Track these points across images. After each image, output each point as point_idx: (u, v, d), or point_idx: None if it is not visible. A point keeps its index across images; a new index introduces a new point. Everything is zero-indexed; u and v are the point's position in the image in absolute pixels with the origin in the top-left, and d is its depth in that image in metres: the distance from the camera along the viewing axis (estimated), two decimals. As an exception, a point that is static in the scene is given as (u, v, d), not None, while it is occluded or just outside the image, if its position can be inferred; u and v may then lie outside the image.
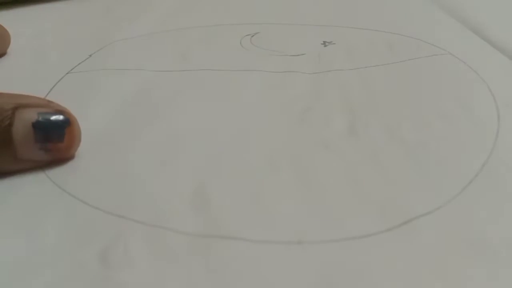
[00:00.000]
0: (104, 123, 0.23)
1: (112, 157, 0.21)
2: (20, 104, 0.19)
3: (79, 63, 0.28)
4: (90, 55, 0.28)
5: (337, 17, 0.32)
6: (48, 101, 0.20)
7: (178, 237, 0.17)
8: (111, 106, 0.24)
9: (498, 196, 0.18)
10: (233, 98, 0.25)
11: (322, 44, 0.29)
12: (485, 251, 0.16)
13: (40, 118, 0.19)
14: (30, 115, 0.19)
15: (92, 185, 0.19)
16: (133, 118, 0.23)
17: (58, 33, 0.31)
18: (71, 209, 0.18)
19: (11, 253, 0.16)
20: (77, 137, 0.20)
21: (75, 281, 0.15)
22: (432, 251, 0.16)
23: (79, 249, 0.16)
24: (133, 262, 0.16)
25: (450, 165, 0.20)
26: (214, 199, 0.19)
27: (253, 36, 0.30)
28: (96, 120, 0.23)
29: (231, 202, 0.18)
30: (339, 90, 0.25)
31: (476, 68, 0.26)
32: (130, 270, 0.16)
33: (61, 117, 0.20)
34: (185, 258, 0.16)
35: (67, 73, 0.27)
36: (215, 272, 0.16)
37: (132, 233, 0.17)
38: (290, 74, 0.26)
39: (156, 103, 0.24)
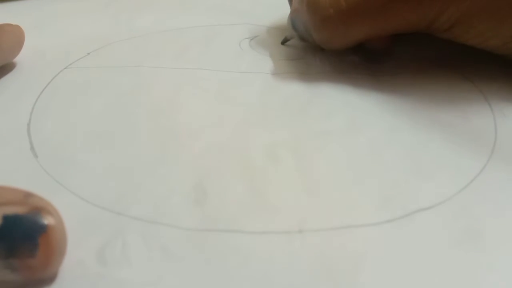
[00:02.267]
0: (102, 118, 0.23)
1: (110, 152, 0.21)
2: None
3: (77, 60, 0.27)
4: (89, 53, 0.28)
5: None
6: (27, 194, 0.15)
7: (177, 233, 0.17)
8: (109, 102, 0.24)
9: (497, 197, 0.19)
10: (231, 96, 0.25)
11: (320, 48, 0.29)
12: (485, 244, 0.17)
13: (5, 223, 0.14)
14: None
15: (90, 180, 0.19)
16: (131, 114, 0.23)
17: (58, 28, 0.31)
18: (69, 205, 0.18)
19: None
20: (56, 250, 0.14)
21: (73, 278, 0.15)
22: (432, 242, 0.17)
23: (76, 246, 0.16)
24: (131, 258, 0.16)
25: (449, 167, 0.20)
26: (213, 193, 0.19)
27: (252, 39, 0.30)
28: (93, 115, 0.23)
29: (230, 195, 0.18)
30: (338, 91, 0.25)
31: (472, 78, 0.26)
32: (128, 267, 0.16)
33: (35, 220, 0.14)
34: (184, 253, 0.16)
35: (65, 68, 0.27)
36: (215, 266, 0.16)
37: (130, 229, 0.17)
38: (289, 75, 0.26)
39: (154, 100, 0.24)
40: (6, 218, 0.14)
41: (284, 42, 0.30)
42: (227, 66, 0.27)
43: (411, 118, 0.23)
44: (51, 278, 0.15)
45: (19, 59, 0.27)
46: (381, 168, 0.20)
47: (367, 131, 0.22)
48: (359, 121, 0.23)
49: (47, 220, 0.14)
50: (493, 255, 0.16)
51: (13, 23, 0.29)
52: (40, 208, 0.14)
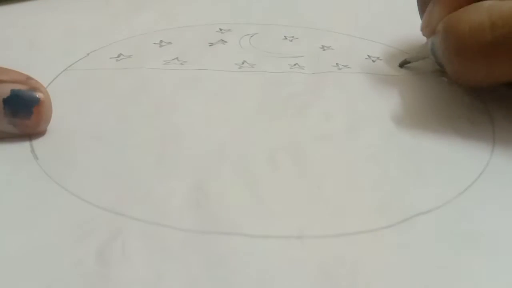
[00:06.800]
0: (102, 120, 0.23)
1: (110, 153, 0.21)
2: None
3: (77, 61, 0.27)
4: (88, 54, 0.28)
5: (337, 23, 0.32)
6: (28, 77, 0.21)
7: (177, 234, 0.17)
8: (109, 103, 0.24)
9: (496, 200, 0.19)
10: (231, 95, 0.25)
11: (320, 48, 0.29)
12: (484, 247, 0.17)
13: (11, 95, 0.20)
14: (3, 90, 0.20)
15: (90, 182, 0.19)
16: (131, 115, 0.23)
17: (57, 29, 0.31)
18: (69, 206, 0.18)
19: (8, 251, 0.16)
20: (44, 116, 0.21)
21: (72, 278, 0.15)
22: (431, 246, 0.17)
23: (76, 247, 0.16)
24: (131, 259, 0.16)
25: (448, 171, 0.20)
26: (213, 195, 0.19)
27: (252, 36, 0.30)
28: (94, 116, 0.23)
29: (230, 198, 0.18)
30: (338, 91, 0.25)
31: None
32: (128, 268, 0.16)
33: (32, 95, 0.20)
34: (183, 254, 0.16)
35: (65, 70, 0.27)
36: (214, 268, 0.16)
37: (130, 230, 0.17)
38: (289, 74, 0.26)
39: (155, 100, 0.24)
40: (13, 91, 0.20)
41: (402, 64, 0.27)
42: (228, 65, 0.27)
43: (410, 121, 0.23)
44: (40, 134, 0.21)
45: (19, 61, 0.27)
46: (380, 173, 0.20)
47: (366, 134, 0.22)
48: (358, 124, 0.23)
49: (40, 96, 0.21)
50: (493, 258, 0.16)
51: (13, 24, 0.30)
52: (36, 87, 0.21)
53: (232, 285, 0.15)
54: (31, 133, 0.21)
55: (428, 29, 0.24)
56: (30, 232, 0.17)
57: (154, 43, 0.29)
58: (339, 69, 0.27)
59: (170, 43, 0.29)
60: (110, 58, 0.28)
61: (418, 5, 0.27)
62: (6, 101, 0.20)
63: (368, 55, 0.29)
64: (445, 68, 0.23)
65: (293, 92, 0.25)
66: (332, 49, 0.29)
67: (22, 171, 0.20)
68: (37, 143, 0.21)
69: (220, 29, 0.31)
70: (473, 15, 0.20)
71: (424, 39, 0.26)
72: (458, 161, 0.20)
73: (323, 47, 0.29)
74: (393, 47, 0.30)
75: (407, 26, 0.31)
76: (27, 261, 0.16)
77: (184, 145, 0.21)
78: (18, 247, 0.16)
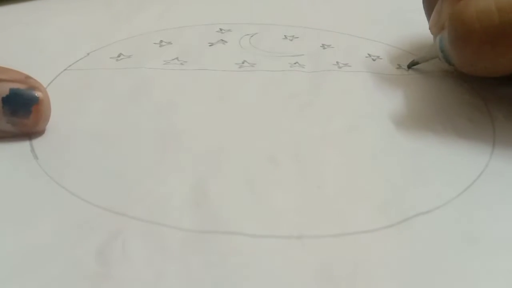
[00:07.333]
0: (102, 120, 0.23)
1: (110, 153, 0.21)
2: None
3: (77, 60, 0.27)
4: (88, 54, 0.28)
5: (337, 23, 0.32)
6: (27, 76, 0.21)
7: (177, 234, 0.17)
8: (109, 103, 0.24)
9: (495, 201, 0.19)
10: (231, 95, 0.25)
11: (321, 46, 0.29)
12: (483, 248, 0.17)
13: (10, 94, 0.20)
14: (2, 89, 0.20)
15: (90, 181, 0.19)
16: (131, 115, 0.23)
17: (57, 29, 0.31)
18: (69, 206, 0.18)
19: (7, 250, 0.16)
20: (43, 115, 0.21)
21: (72, 278, 0.15)
22: (431, 247, 0.17)
23: (76, 246, 0.16)
24: (131, 259, 0.16)
25: (448, 172, 0.20)
26: (213, 195, 0.19)
27: (252, 36, 0.30)
28: (93, 116, 0.23)
29: (230, 198, 0.18)
30: (338, 89, 0.25)
31: (471, 82, 0.26)
32: (128, 268, 0.16)
33: (31, 95, 0.20)
34: (184, 254, 0.16)
35: (65, 70, 0.27)
36: (214, 267, 0.16)
37: (130, 230, 0.17)
38: (289, 72, 0.26)
39: (155, 100, 0.24)
40: (12, 90, 0.20)
41: (411, 66, 0.27)
42: (228, 65, 0.27)
43: (410, 120, 0.23)
44: (39, 134, 0.21)
45: (20, 60, 0.27)
46: (380, 173, 0.20)
47: (366, 134, 0.22)
48: (358, 123, 0.23)
49: (39, 95, 0.20)
50: (492, 259, 0.16)
51: (14, 24, 0.30)
52: (35, 86, 0.21)
53: (232, 285, 0.15)
54: (30, 132, 0.21)
55: (436, 27, 0.24)
56: (30, 231, 0.17)
57: (154, 43, 0.29)
58: (339, 67, 0.27)
59: (170, 43, 0.29)
60: (110, 58, 0.28)
61: (424, 5, 0.27)
62: (5, 100, 0.20)
63: (368, 54, 0.29)
64: (452, 59, 0.22)
65: (294, 91, 0.25)
66: (332, 47, 0.29)
67: (22, 170, 0.20)
68: (37, 142, 0.21)
69: (220, 29, 0.31)
70: (480, 1, 0.20)
71: (427, 38, 0.26)
72: (458, 161, 0.20)
73: (323, 46, 0.29)
74: (394, 46, 0.30)
75: (407, 25, 0.31)
76: (27, 261, 0.16)
77: (184, 145, 0.21)
78: (17, 247, 0.16)
